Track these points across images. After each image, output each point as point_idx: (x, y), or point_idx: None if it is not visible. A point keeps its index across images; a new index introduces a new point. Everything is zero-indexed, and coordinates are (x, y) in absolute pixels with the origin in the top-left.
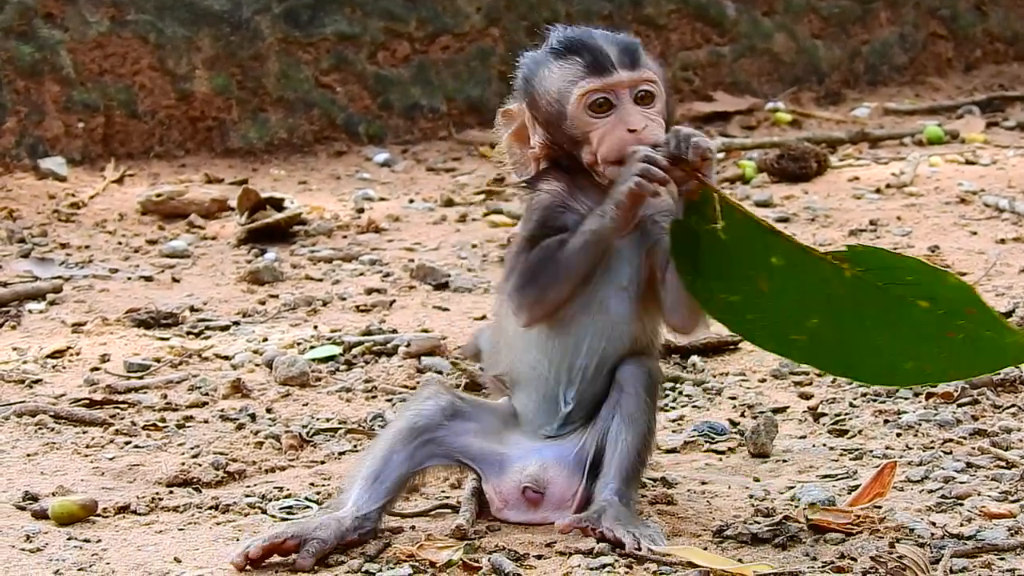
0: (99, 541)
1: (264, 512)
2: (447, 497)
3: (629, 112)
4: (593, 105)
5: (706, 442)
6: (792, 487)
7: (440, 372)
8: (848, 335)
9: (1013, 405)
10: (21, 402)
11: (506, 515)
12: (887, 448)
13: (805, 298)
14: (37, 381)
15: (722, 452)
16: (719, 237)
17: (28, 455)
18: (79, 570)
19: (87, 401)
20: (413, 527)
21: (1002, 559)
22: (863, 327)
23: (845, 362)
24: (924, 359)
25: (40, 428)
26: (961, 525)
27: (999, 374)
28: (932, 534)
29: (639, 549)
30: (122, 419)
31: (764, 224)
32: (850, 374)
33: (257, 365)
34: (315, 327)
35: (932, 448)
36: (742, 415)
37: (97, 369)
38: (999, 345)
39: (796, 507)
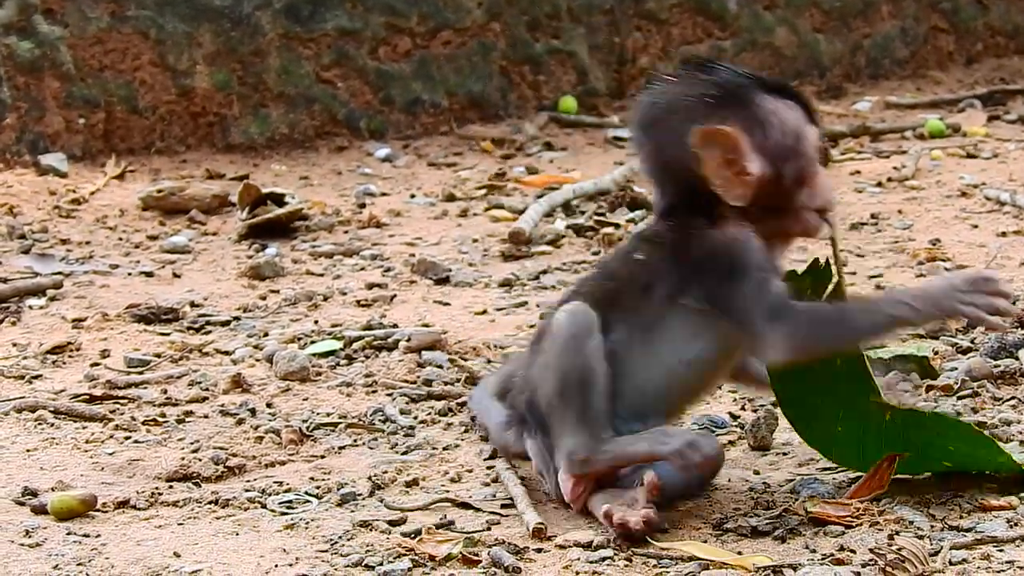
0: (98, 536)
1: (264, 506)
2: (447, 491)
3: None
4: (818, 151)
5: None
6: (792, 480)
7: (440, 366)
8: (864, 445)
9: (1013, 397)
10: (21, 398)
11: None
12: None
13: (844, 407)
14: (37, 377)
15: (722, 445)
16: None
17: (27, 450)
18: (78, 565)
19: (87, 396)
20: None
21: (1001, 550)
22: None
23: (850, 458)
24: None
25: (40, 423)
26: (960, 517)
27: (999, 366)
28: (931, 526)
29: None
30: (122, 414)
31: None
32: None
33: (257, 360)
34: (315, 322)
35: None
36: (742, 408)
37: (97, 364)
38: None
39: (796, 500)
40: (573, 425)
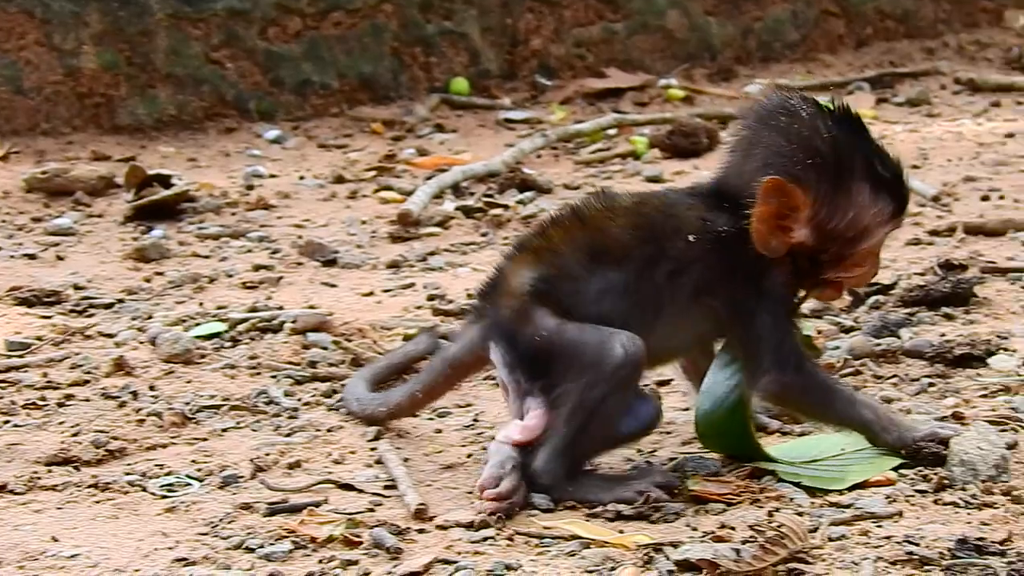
0: None
1: (144, 490)
2: (329, 473)
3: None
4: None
5: None
6: (675, 458)
7: (325, 348)
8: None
9: (894, 375)
10: None
11: None
12: (770, 418)
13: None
14: None
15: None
16: None
17: None
18: None
19: None
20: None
21: (879, 526)
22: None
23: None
24: None
25: None
26: (840, 494)
27: (880, 344)
28: (812, 503)
29: None
30: (1, 398)
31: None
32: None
33: (141, 343)
34: (201, 304)
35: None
36: None
37: None
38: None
39: (679, 478)
40: (563, 448)
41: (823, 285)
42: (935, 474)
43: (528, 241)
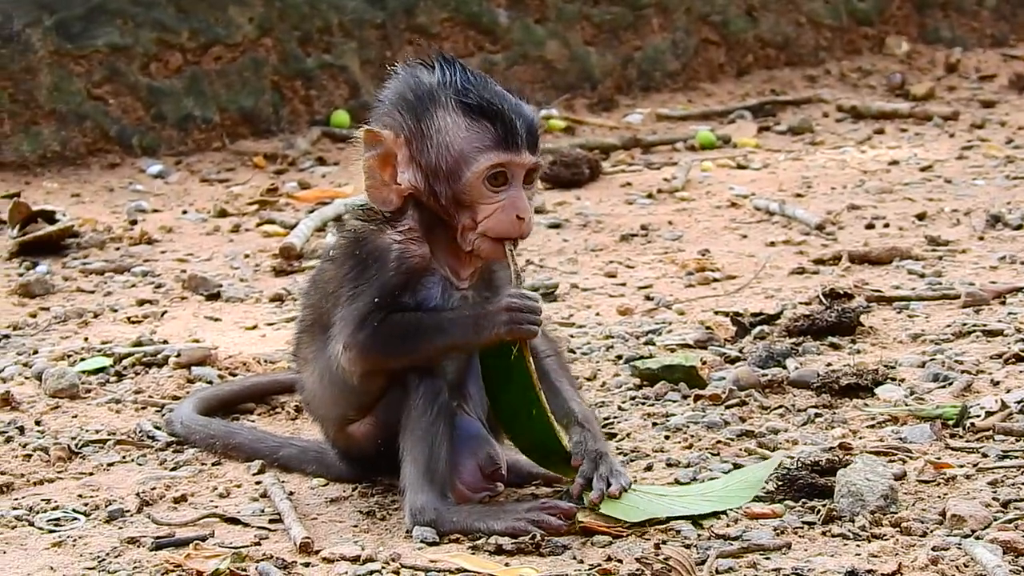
0: None
1: (31, 524)
2: (215, 506)
3: (520, 195)
4: (492, 179)
5: None
6: (560, 491)
7: (210, 383)
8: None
9: (780, 406)
10: None
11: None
12: (656, 450)
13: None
14: None
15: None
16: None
17: None
18: None
19: None
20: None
21: (767, 558)
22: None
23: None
24: None
25: None
26: (727, 526)
27: (766, 375)
28: (699, 535)
29: None
30: None
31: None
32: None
33: (27, 378)
34: (86, 339)
35: (701, 450)
36: None
37: None
38: None
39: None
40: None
41: (465, 240)
42: (823, 506)
43: None
